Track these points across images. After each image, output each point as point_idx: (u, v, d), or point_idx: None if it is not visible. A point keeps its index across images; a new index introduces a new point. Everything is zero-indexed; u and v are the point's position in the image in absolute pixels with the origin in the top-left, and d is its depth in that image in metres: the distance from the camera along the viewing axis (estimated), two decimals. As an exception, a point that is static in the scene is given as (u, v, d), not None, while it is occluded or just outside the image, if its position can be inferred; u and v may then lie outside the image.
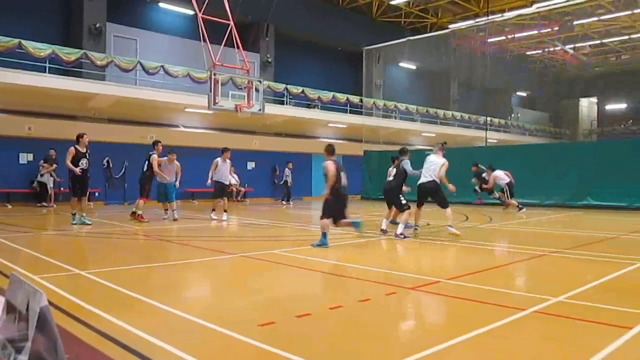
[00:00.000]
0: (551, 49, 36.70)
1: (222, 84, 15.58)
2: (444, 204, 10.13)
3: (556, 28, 30.62)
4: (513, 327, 4.14)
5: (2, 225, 11.52)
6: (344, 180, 8.64)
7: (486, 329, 3.94)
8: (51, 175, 17.44)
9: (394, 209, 10.89)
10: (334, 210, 8.62)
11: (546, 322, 4.31)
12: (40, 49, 17.07)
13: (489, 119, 31.52)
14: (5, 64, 16.52)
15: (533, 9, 27.63)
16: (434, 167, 10.01)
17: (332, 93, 25.73)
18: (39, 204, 17.14)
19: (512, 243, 9.88)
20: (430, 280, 5.86)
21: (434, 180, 9.96)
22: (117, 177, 19.73)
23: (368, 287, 5.70)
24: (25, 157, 17.85)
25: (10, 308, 1.15)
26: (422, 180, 10.12)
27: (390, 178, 10.60)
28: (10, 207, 16.73)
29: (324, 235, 8.48)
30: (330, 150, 8.76)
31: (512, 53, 36.99)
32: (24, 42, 16.61)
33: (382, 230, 10.42)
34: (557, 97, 43.07)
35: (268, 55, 25.64)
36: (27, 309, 1.06)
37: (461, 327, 4.04)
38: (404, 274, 6.25)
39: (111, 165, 19.58)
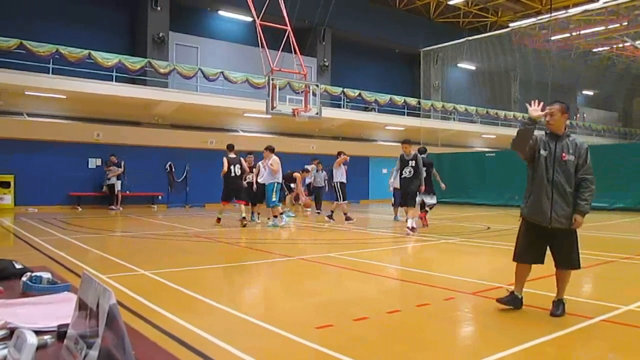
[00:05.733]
0: (620, 45, 34.97)
1: (279, 89, 15.80)
2: None
3: (625, 23, 29.14)
4: (579, 337, 3.98)
5: (73, 227, 12.12)
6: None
7: (549, 338, 3.80)
8: (118, 179, 18.12)
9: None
10: None
11: (615, 332, 4.11)
12: (108, 58, 17.88)
13: (553, 119, 30.26)
14: (76, 73, 17.39)
15: (600, 4, 26.28)
16: None
17: (389, 96, 25.53)
18: (109, 206, 17.86)
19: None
20: (492, 285, 5.71)
21: None
22: (179, 180, 20.32)
23: (427, 292, 5.61)
24: (94, 162, 18.69)
25: (82, 305, 1.20)
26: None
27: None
28: (80, 209, 17.57)
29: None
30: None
31: (577, 50, 35.49)
32: (93, 52, 17.45)
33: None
34: (628, 95, 40.88)
35: (325, 60, 25.76)
36: (97, 307, 1.11)
37: (523, 335, 3.91)
38: (464, 278, 6.11)
39: (173, 170, 20.19)
